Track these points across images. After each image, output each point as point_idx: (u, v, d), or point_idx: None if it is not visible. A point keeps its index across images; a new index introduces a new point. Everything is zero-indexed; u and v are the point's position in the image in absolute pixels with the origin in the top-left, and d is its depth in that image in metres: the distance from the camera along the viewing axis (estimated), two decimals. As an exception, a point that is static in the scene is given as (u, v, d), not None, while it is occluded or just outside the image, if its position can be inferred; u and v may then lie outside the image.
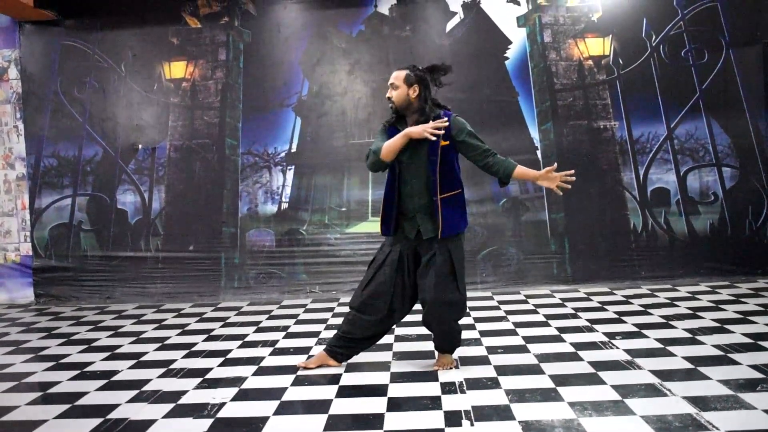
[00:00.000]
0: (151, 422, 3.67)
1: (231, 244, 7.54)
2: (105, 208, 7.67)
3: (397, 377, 4.22)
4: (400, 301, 4.38)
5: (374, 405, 3.78)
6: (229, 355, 5.02)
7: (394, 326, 5.09)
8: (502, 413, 3.56)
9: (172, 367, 4.77)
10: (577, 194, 7.18)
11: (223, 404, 3.92)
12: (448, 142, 4.21)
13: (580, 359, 4.47)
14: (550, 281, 7.25)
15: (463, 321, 5.70)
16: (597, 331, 5.21)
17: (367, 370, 4.46)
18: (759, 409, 3.40)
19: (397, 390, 4.02)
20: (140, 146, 7.63)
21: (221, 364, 4.78)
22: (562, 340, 4.98)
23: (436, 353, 4.52)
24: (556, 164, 4.19)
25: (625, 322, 5.47)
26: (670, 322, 5.36)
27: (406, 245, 4.38)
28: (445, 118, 4.18)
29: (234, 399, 4.01)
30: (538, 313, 6.00)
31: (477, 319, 5.81)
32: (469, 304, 6.39)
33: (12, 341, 5.82)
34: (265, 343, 5.34)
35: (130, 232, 7.64)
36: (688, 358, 4.34)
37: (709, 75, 7.20)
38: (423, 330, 4.91)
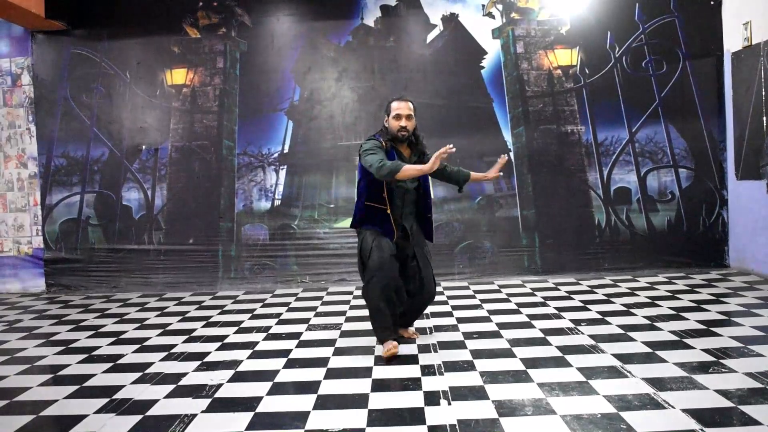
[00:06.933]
0: (154, 402, 3.66)
1: (228, 237, 7.52)
2: (111, 204, 7.63)
3: (381, 361, 4.23)
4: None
5: (360, 386, 3.79)
6: (226, 340, 5.02)
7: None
8: (477, 393, 3.57)
9: (173, 351, 4.76)
10: (547, 193, 7.24)
11: (220, 385, 3.91)
12: None
13: (549, 344, 4.49)
14: (521, 272, 7.28)
15: (442, 308, 5.76)
16: (564, 318, 5.23)
17: (353, 354, 4.47)
18: (711, 389, 3.43)
19: (380, 372, 4.03)
20: (144, 147, 7.60)
21: (219, 349, 4.77)
22: (532, 326, 5.00)
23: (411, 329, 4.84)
24: None
25: (589, 309, 5.50)
26: (631, 310, 5.39)
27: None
28: (450, 145, 4.08)
29: (230, 380, 4.01)
30: (510, 301, 6.02)
31: (454, 307, 5.82)
32: (446, 293, 6.47)
33: (25, 327, 5.78)
34: (259, 329, 5.33)
35: (134, 227, 7.60)
36: (646, 343, 4.38)
37: (668, 84, 7.24)
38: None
